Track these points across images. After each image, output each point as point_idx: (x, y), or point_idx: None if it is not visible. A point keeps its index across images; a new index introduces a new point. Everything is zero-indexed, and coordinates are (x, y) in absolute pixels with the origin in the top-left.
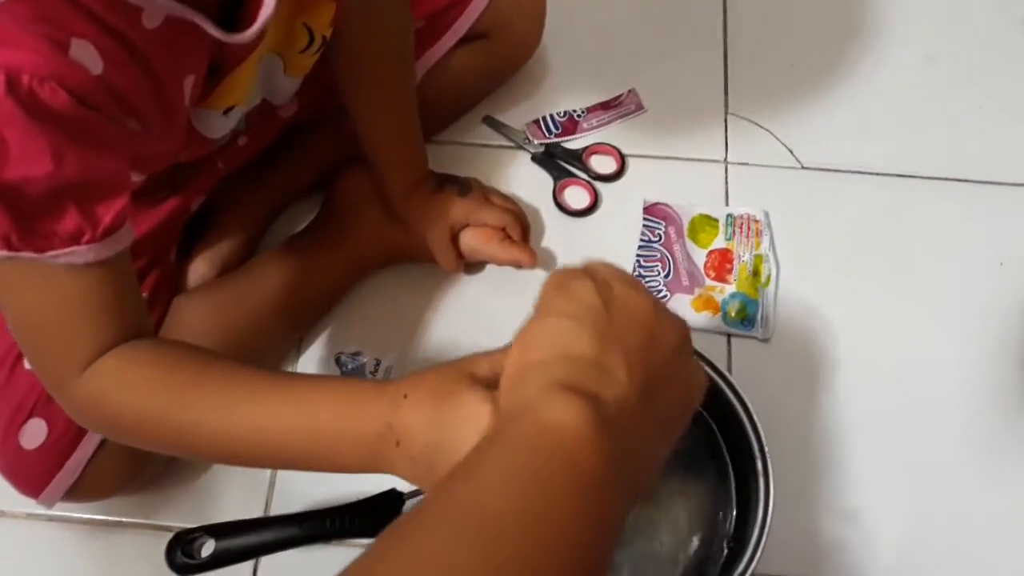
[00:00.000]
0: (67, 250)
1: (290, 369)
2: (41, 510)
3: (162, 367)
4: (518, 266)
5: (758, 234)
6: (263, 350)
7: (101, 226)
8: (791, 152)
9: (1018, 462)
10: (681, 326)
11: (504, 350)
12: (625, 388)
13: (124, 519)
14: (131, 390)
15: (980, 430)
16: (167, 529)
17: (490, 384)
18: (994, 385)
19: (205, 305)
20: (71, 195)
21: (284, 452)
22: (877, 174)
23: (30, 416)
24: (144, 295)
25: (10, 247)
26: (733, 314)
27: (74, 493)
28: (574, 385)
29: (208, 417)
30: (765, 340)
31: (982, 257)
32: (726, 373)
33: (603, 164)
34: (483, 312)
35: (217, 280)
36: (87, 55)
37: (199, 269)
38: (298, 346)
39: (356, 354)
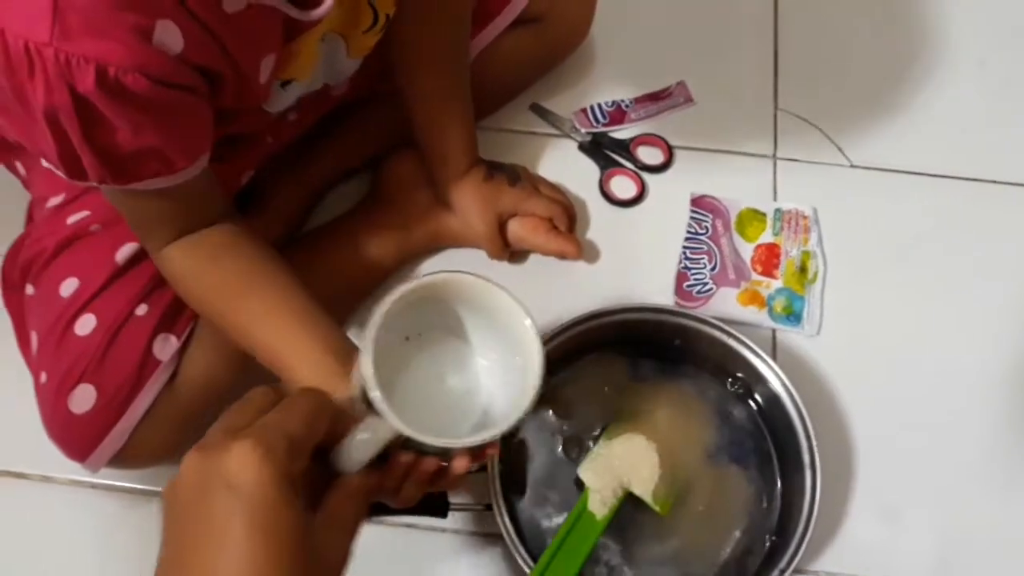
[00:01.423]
0: (146, 183)
1: None
2: (85, 476)
3: (216, 259)
4: (563, 257)
5: (806, 230)
6: None
7: (176, 168)
8: (840, 150)
9: None
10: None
11: None
12: None
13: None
14: (189, 270)
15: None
16: None
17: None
18: None
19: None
20: (151, 154)
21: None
22: (927, 175)
23: (80, 381)
24: None
25: (104, 182)
26: (779, 309)
27: (120, 459)
28: None
29: (232, 317)
30: (810, 336)
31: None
32: (775, 365)
33: (650, 155)
34: (526, 301)
35: None
36: (169, 35)
37: None
38: (340, 323)
39: None
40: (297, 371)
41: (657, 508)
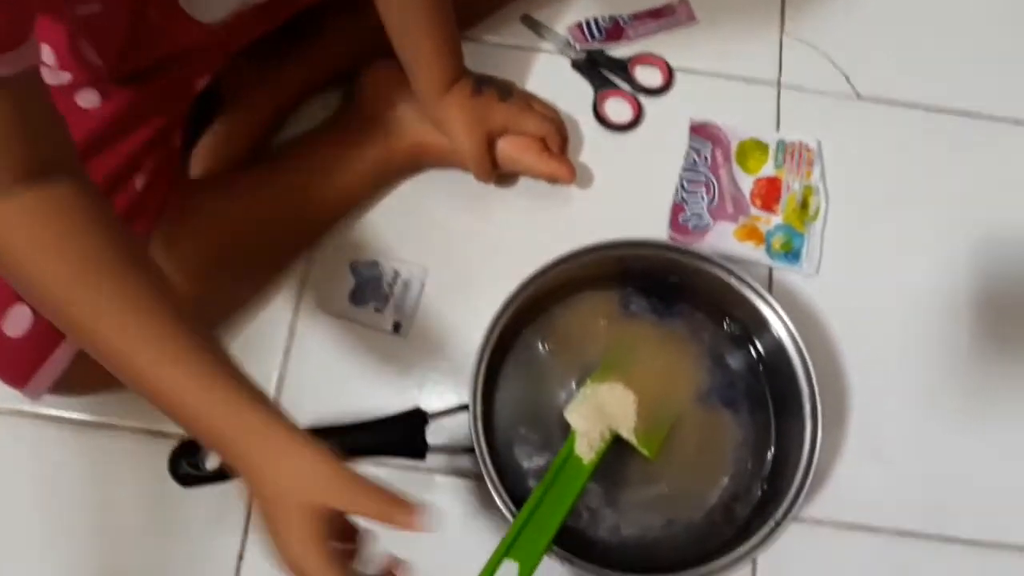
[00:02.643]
0: None
1: (299, 275)
2: (28, 405)
3: (63, 230)
4: (555, 181)
5: (810, 164)
6: (273, 252)
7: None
8: (848, 80)
9: None
10: None
11: None
12: None
13: (119, 422)
14: (24, 237)
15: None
16: (165, 436)
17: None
18: None
19: (214, 197)
20: None
21: (136, 388)
22: (937, 110)
23: (15, 302)
24: (141, 180)
25: None
26: (778, 246)
27: (63, 385)
28: None
29: (77, 313)
30: (808, 276)
31: None
32: (778, 307)
33: (649, 76)
34: (513, 228)
35: (227, 173)
36: None
37: (203, 160)
38: (310, 249)
39: (373, 263)
40: (210, 420)
41: (645, 451)
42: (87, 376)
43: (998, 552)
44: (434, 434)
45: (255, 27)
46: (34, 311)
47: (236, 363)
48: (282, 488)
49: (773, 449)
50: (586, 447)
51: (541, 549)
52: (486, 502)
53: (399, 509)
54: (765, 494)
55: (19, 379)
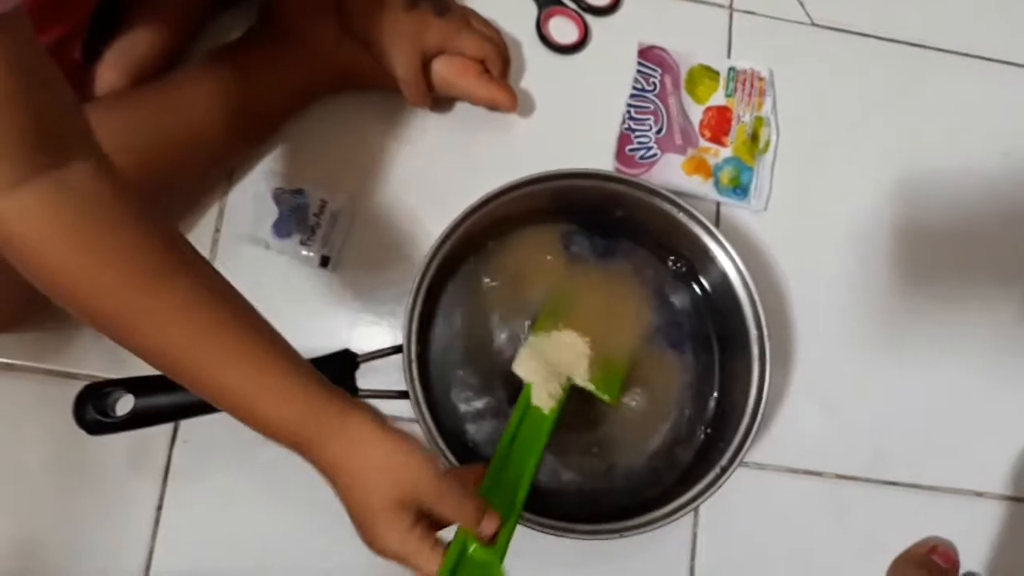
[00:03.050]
0: None
1: (217, 205)
2: None
3: (103, 227)
4: (494, 107)
5: (761, 93)
6: (188, 178)
7: None
8: (802, 5)
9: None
10: None
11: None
12: None
13: (21, 362)
14: (56, 242)
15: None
16: (74, 377)
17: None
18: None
19: (117, 118)
20: None
21: (218, 398)
22: (892, 40)
23: None
24: None
25: None
26: (726, 181)
27: None
28: None
29: (134, 323)
30: (756, 212)
31: (986, 144)
32: (727, 244)
33: None
34: (448, 157)
35: (133, 90)
36: None
37: (107, 76)
38: (229, 176)
39: (298, 191)
40: (282, 420)
41: (606, 397)
42: None
43: (935, 495)
44: (365, 377)
45: None
46: None
47: (295, 351)
48: (372, 483)
49: (717, 392)
50: (545, 397)
51: (519, 503)
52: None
53: (481, 516)
54: (708, 437)
55: None
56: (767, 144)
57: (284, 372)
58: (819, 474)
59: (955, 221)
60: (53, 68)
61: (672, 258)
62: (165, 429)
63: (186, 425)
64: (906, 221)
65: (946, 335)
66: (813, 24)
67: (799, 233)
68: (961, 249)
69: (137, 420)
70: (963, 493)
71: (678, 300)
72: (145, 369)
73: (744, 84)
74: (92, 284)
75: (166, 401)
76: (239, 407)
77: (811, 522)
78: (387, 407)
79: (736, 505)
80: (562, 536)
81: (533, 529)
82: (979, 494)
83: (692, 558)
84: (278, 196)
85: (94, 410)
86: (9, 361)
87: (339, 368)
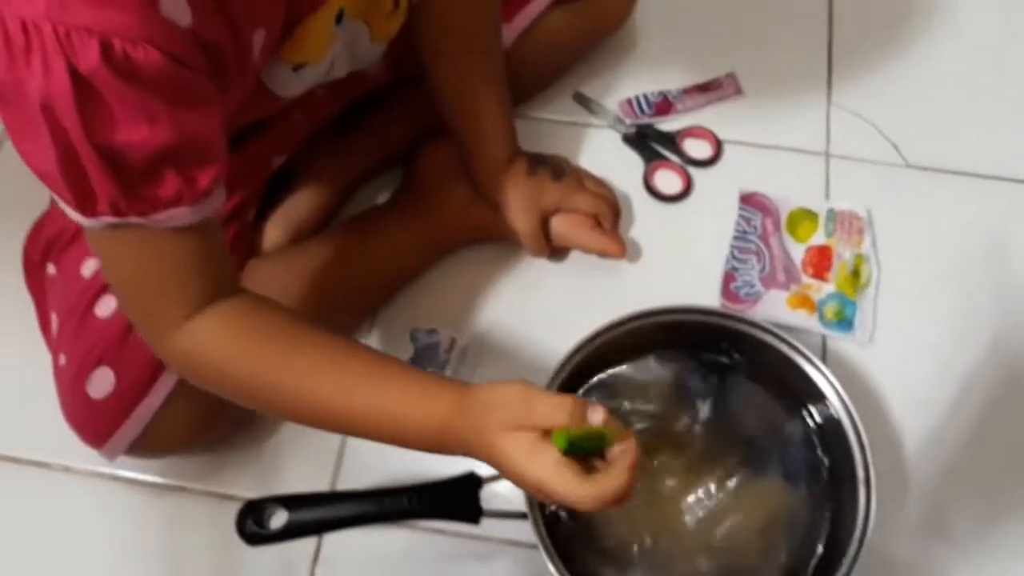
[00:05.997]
0: (167, 213)
1: (362, 340)
2: (105, 467)
3: (257, 329)
4: (606, 256)
5: (860, 232)
6: (335, 322)
7: (199, 188)
8: (896, 148)
9: None
10: None
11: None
12: None
13: (188, 484)
14: (226, 348)
15: None
16: (231, 497)
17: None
18: None
19: (279, 272)
20: (168, 159)
21: (359, 427)
22: (986, 177)
23: (98, 365)
24: None
25: (118, 213)
26: (830, 315)
27: (139, 447)
28: None
29: (295, 383)
30: (862, 344)
31: None
32: (831, 377)
33: (698, 148)
34: (565, 301)
35: (293, 247)
36: (176, 6)
37: (273, 233)
38: (372, 315)
39: (431, 331)
40: (417, 417)
41: None
42: (160, 439)
43: None
44: (488, 499)
45: (327, 105)
46: (117, 376)
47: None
48: (491, 430)
49: (828, 521)
50: None
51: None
52: (541, 572)
53: (585, 408)
54: (819, 566)
55: (98, 440)
56: (869, 279)
57: (415, 378)
58: None
59: None
60: (224, 240)
61: (781, 390)
62: (309, 543)
63: (329, 539)
64: (1014, 350)
65: None
66: (908, 166)
67: (906, 363)
68: None
69: (289, 532)
70: None
71: (790, 431)
72: (289, 488)
73: (843, 224)
74: (256, 364)
75: (316, 515)
76: (394, 421)
77: None
78: (508, 528)
79: None
80: None
81: None
82: None
83: None
84: (414, 334)
85: (253, 523)
86: (179, 483)
87: (465, 489)
